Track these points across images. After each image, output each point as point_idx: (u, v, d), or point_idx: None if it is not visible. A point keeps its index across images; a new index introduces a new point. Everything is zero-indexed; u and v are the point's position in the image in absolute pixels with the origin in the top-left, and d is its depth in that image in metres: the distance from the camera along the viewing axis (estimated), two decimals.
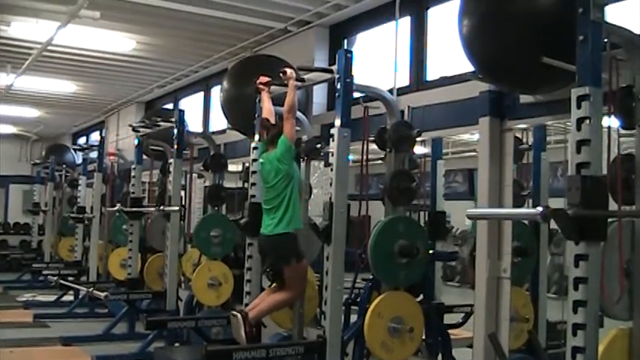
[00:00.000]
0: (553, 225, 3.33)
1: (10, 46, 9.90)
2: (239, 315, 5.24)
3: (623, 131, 3.64)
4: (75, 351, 8.17)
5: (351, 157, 5.16)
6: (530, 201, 5.50)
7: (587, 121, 3.23)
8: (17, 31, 9.07)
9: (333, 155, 5.02)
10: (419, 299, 5.52)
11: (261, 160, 5.53)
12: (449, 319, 6.15)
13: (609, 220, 3.39)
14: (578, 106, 3.27)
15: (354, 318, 5.50)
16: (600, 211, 3.24)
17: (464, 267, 11.51)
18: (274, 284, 5.53)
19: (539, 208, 3.17)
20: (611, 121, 3.53)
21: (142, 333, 8.19)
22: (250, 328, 5.22)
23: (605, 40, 3.38)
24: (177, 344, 7.68)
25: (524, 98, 4.62)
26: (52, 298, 11.83)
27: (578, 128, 3.26)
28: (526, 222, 5.20)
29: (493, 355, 4.58)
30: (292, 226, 5.28)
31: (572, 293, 3.27)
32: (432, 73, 6.94)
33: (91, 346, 8.28)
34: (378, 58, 7.45)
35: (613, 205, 3.37)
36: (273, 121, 5.59)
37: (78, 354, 7.98)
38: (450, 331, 6.07)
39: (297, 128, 6.31)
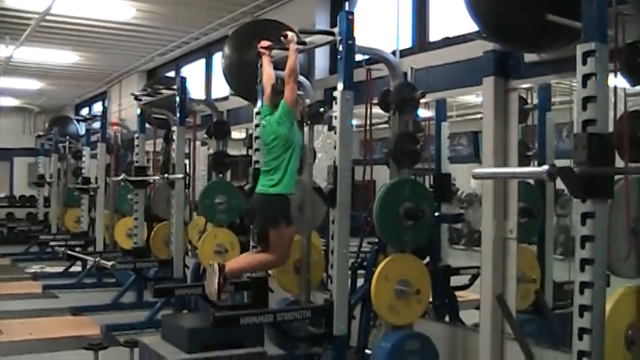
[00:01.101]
0: (559, 186, 3.31)
1: (8, 17, 9.83)
2: (216, 265, 5.21)
3: (630, 89, 3.60)
4: (84, 320, 8.22)
5: (354, 121, 5.12)
6: (536, 162, 5.47)
7: (593, 78, 3.20)
8: (14, 1, 8.98)
9: (336, 119, 4.98)
10: (425, 262, 5.52)
11: (263, 122, 5.49)
12: (455, 281, 6.17)
13: (616, 177, 3.37)
14: (584, 63, 3.23)
15: (360, 282, 5.52)
16: (607, 168, 3.21)
17: (469, 230, 11.53)
18: (258, 247, 5.54)
19: (546, 167, 3.14)
20: (618, 79, 3.49)
21: (149, 301, 8.25)
22: (224, 281, 5.18)
23: None
24: (185, 311, 7.71)
25: (529, 57, 4.58)
26: (60, 269, 11.89)
27: (584, 85, 3.23)
28: (532, 182, 5.19)
29: (500, 316, 4.59)
30: (287, 189, 5.24)
31: (579, 251, 3.26)
32: (435, 34, 6.86)
33: (100, 316, 8.33)
34: (380, 19, 7.37)
35: (620, 163, 3.34)
36: (270, 88, 5.51)
37: (87, 323, 8.04)
38: (457, 293, 6.09)
39: (300, 92, 6.27)
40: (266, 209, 5.33)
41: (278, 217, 5.23)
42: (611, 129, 3.34)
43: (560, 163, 3.89)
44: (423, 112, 6.30)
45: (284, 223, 5.24)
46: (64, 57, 12.91)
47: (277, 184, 5.21)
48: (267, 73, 5.59)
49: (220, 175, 8.19)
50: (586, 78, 3.22)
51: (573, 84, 4.08)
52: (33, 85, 15.76)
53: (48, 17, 9.00)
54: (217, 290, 5.14)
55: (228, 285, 5.51)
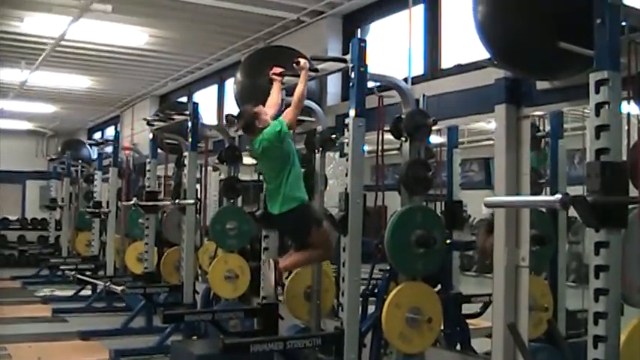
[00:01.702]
0: (571, 213, 3.28)
1: (24, 42, 9.93)
2: (271, 261, 5.29)
3: None
4: (93, 345, 8.19)
5: (366, 147, 5.12)
6: (548, 189, 5.45)
7: (606, 106, 3.18)
8: (30, 27, 9.10)
9: (348, 145, 4.98)
10: (437, 289, 5.49)
11: (250, 148, 5.49)
12: (467, 308, 6.12)
13: (630, 206, 3.34)
14: (597, 91, 3.22)
15: (371, 309, 5.48)
16: (620, 197, 3.18)
17: (481, 256, 11.47)
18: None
19: (559, 196, 3.11)
20: (631, 106, 3.47)
21: (159, 326, 8.21)
22: (279, 276, 5.25)
23: (624, 23, 3.32)
24: (194, 337, 7.68)
25: (541, 84, 4.57)
26: (70, 292, 11.88)
27: (597, 113, 3.21)
28: (544, 210, 5.15)
29: (513, 344, 4.54)
30: (298, 201, 5.23)
31: (593, 281, 3.22)
32: (446, 61, 6.88)
33: (110, 340, 8.29)
34: (392, 46, 7.39)
35: (633, 192, 3.32)
36: (273, 113, 5.49)
37: (96, 348, 8.01)
38: (468, 320, 6.04)
39: (312, 119, 6.29)
40: (292, 226, 5.36)
41: (307, 225, 5.26)
42: (624, 157, 3.32)
43: (572, 189, 3.87)
44: (434, 139, 6.29)
45: (315, 227, 5.29)
46: (78, 81, 13.00)
47: (288, 201, 5.20)
48: (273, 99, 5.55)
49: (231, 201, 8.19)
50: (599, 106, 3.21)
51: (586, 110, 4.08)
52: (47, 109, 15.86)
53: (62, 43, 9.08)
54: (274, 286, 5.26)
55: (284, 280, 5.63)
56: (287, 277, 6.02)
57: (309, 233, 5.28)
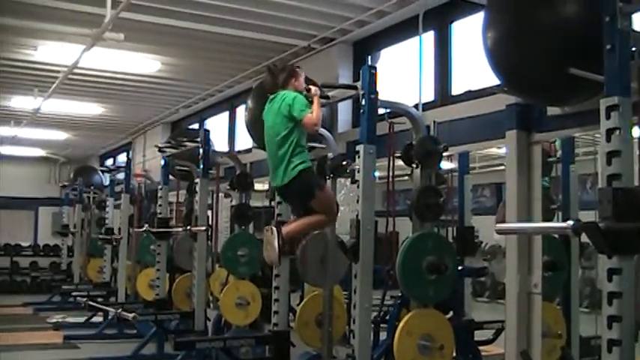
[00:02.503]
0: (584, 238, 3.27)
1: (37, 70, 10.01)
2: (273, 227, 5.14)
3: None
4: None
5: (376, 173, 5.12)
6: (560, 214, 5.43)
7: (617, 132, 3.17)
8: (43, 55, 9.18)
9: (359, 172, 4.98)
10: (448, 316, 5.45)
11: (266, 108, 5.37)
12: (479, 335, 6.08)
13: None
14: (608, 117, 3.22)
15: (383, 336, 5.45)
16: (633, 223, 3.16)
17: (493, 282, 11.41)
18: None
19: (570, 222, 3.10)
20: None
21: (170, 353, 8.18)
22: (283, 242, 5.09)
23: (634, 48, 3.32)
24: None
25: (552, 110, 4.56)
26: (82, 319, 11.88)
27: (608, 139, 3.21)
28: (556, 236, 5.13)
29: None
30: (302, 166, 5.09)
31: (606, 308, 3.20)
32: (457, 88, 6.90)
33: None
34: (403, 73, 7.42)
35: None
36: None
37: None
38: (481, 347, 6.00)
39: (323, 146, 6.30)
40: (297, 192, 5.22)
41: (311, 189, 5.14)
42: (636, 182, 3.31)
43: (584, 214, 3.85)
44: (445, 164, 6.29)
45: (318, 190, 5.17)
46: (90, 109, 13.07)
47: (291, 168, 5.08)
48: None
49: (243, 227, 8.18)
50: (610, 132, 3.20)
51: (597, 135, 4.06)
52: (59, 135, 15.95)
53: (75, 70, 9.13)
54: (278, 252, 5.05)
55: (288, 247, 5.37)
56: (298, 304, 6.00)
57: (313, 196, 5.14)
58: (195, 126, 13.07)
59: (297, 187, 5.15)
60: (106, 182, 13.69)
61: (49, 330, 11.37)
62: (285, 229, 5.18)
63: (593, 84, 3.53)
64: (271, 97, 5.34)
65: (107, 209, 11.87)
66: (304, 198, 5.22)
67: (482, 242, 10.30)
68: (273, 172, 5.24)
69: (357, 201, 4.98)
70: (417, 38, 6.90)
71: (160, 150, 8.98)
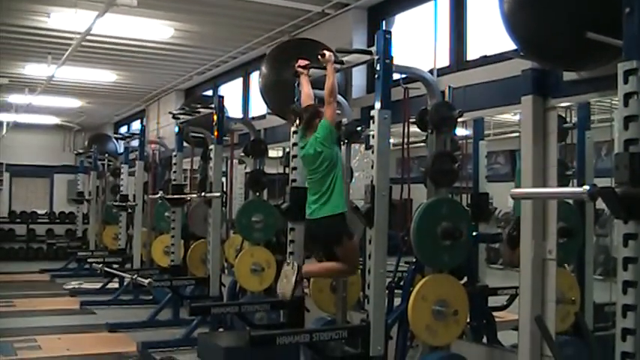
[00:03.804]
0: (599, 205, 3.26)
1: (50, 37, 10.01)
2: (295, 263, 5.39)
3: None
4: (121, 337, 8.28)
5: (391, 139, 5.10)
6: (575, 181, 5.40)
7: (635, 97, 3.15)
8: (56, 22, 9.17)
9: (373, 138, 4.96)
10: (463, 282, 5.47)
11: (301, 145, 5.48)
12: (493, 301, 6.10)
13: None
14: (625, 81, 3.19)
15: (397, 301, 5.47)
16: None
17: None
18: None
19: (587, 187, 3.09)
20: None
21: (186, 319, 8.29)
22: (301, 279, 5.35)
23: None
24: (221, 329, 7.73)
25: (568, 75, 4.53)
26: (98, 285, 12.03)
27: (626, 104, 3.18)
28: (571, 202, 5.11)
29: (539, 337, 4.52)
30: (339, 208, 5.24)
31: (621, 273, 3.20)
32: (472, 53, 6.83)
33: (137, 333, 8.39)
34: (418, 38, 7.36)
35: None
36: (309, 103, 5.53)
37: (124, 340, 8.09)
38: (494, 313, 6.02)
39: (338, 112, 6.28)
40: (325, 233, 5.35)
41: (340, 235, 5.29)
42: None
43: (598, 181, 3.83)
44: (460, 131, 6.26)
45: (346, 238, 5.32)
46: (104, 76, 13.08)
47: (325, 206, 5.23)
48: (306, 93, 5.60)
49: (257, 194, 8.19)
50: (627, 97, 3.17)
51: (614, 101, 4.02)
52: (73, 103, 15.98)
53: (88, 37, 9.12)
54: (293, 287, 5.28)
55: (302, 285, 5.70)
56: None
57: (340, 243, 5.29)
58: (209, 92, 13.05)
59: (328, 228, 5.29)
60: (121, 149, 13.74)
61: (66, 296, 11.53)
62: (305, 269, 5.42)
63: (611, 48, 3.49)
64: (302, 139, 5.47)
65: (122, 176, 11.91)
66: (330, 240, 5.36)
67: (496, 209, 10.27)
68: (311, 203, 5.37)
69: (372, 167, 4.96)
70: (431, 3, 6.84)
71: (174, 117, 8.98)
